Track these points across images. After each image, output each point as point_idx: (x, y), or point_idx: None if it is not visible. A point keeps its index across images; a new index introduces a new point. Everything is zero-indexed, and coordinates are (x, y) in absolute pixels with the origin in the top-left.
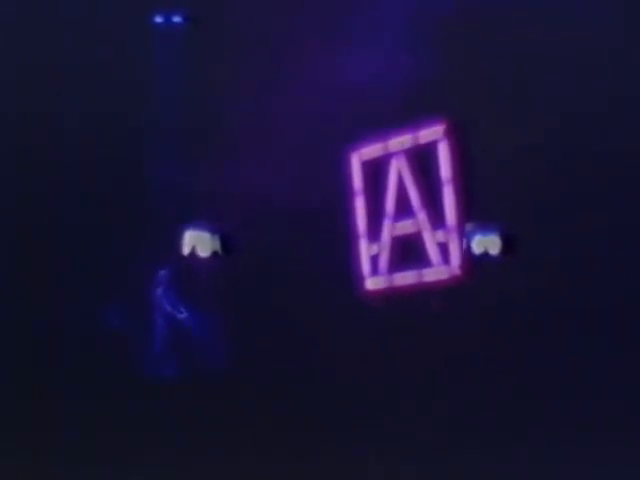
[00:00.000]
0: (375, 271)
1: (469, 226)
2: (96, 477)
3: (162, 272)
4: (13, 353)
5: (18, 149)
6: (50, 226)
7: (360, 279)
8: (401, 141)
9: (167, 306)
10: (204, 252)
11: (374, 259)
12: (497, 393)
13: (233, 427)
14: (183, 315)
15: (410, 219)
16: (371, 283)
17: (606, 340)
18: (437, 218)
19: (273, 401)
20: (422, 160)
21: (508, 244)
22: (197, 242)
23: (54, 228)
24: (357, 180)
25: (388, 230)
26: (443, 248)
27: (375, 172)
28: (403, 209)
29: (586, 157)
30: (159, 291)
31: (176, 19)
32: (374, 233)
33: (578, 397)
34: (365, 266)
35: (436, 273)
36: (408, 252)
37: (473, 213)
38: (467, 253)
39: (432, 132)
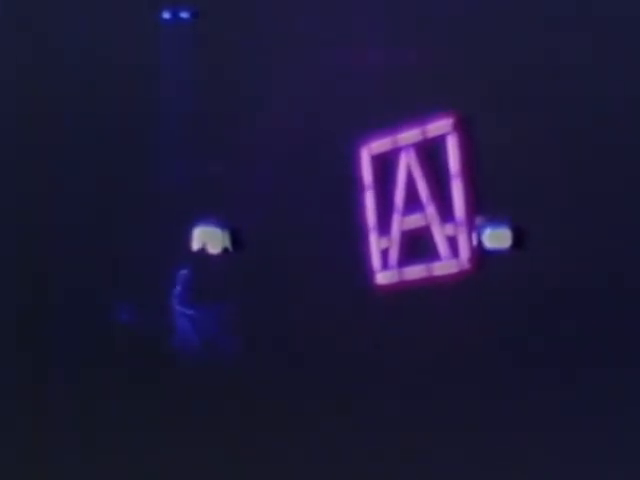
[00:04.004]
0: (385, 265)
1: (479, 220)
2: (98, 476)
3: (182, 272)
4: (20, 353)
5: (25, 146)
6: (59, 224)
7: (370, 273)
8: (410, 135)
9: (177, 304)
10: (214, 249)
11: (384, 253)
12: (506, 388)
13: (243, 423)
14: (191, 312)
15: (419, 213)
16: (382, 277)
17: (620, 334)
18: (446, 212)
19: (283, 396)
20: (431, 154)
21: (519, 237)
22: (207, 239)
23: (62, 226)
24: (367, 174)
25: (398, 224)
26: (452, 242)
27: (384, 166)
28: (412, 203)
29: (598, 150)
30: (176, 290)
31: (184, 15)
32: (384, 227)
33: (589, 392)
34: (375, 260)
35: (445, 267)
36: (418, 246)
37: (482, 206)
38: (477, 247)
39: (440, 126)
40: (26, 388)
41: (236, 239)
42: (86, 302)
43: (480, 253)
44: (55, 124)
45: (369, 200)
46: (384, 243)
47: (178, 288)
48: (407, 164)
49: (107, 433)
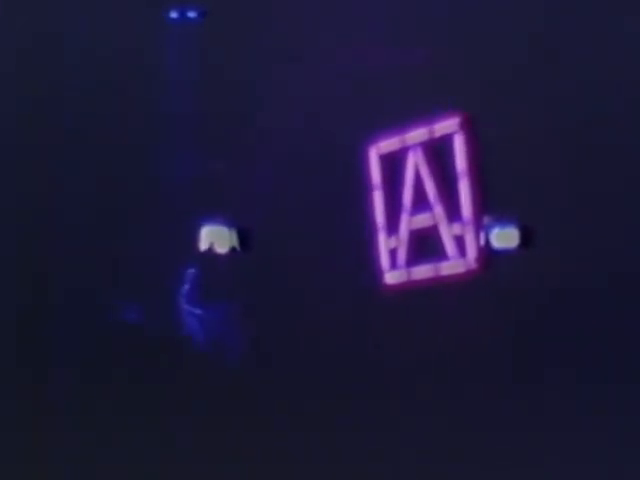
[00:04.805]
0: (394, 265)
1: (487, 219)
2: (98, 476)
3: (190, 271)
4: (20, 353)
5: (32, 146)
6: (60, 224)
7: (379, 273)
8: (417, 134)
9: (185, 303)
10: (222, 248)
11: (392, 253)
12: (514, 387)
13: (248, 424)
14: (199, 312)
15: (427, 212)
16: (390, 277)
17: (629, 333)
18: (453, 211)
19: (290, 396)
20: (438, 153)
21: (526, 237)
22: (215, 238)
23: (66, 225)
24: (375, 174)
25: (406, 224)
26: (460, 241)
27: (392, 166)
28: (420, 202)
29: (606, 150)
30: (183, 289)
31: (191, 14)
32: (392, 227)
33: (599, 391)
34: (384, 260)
35: (453, 266)
36: (425, 245)
37: (490, 206)
38: (485, 246)
39: (448, 125)
40: (26, 388)
41: (244, 238)
42: (88, 302)
43: (487, 252)
44: (56, 124)
45: (377, 200)
46: (392, 243)
47: (186, 287)
48: (415, 163)
49: (107, 433)
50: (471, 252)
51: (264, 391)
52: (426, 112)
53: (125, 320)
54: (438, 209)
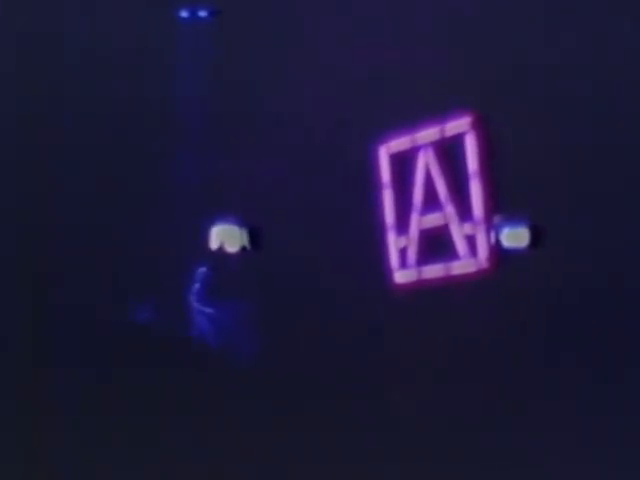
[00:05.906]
0: (404, 264)
1: (497, 219)
2: (98, 476)
3: (201, 270)
4: (20, 353)
5: (32, 146)
6: (60, 224)
7: (389, 272)
8: (428, 134)
9: (195, 302)
10: (232, 247)
11: (402, 252)
12: (523, 388)
13: (261, 422)
14: (210, 311)
15: (438, 212)
16: (400, 276)
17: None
18: (464, 211)
19: (300, 395)
20: (449, 153)
21: (536, 236)
22: (225, 237)
23: (70, 225)
24: (385, 173)
25: (416, 223)
26: (470, 241)
27: (403, 165)
28: (431, 202)
29: (617, 149)
30: (194, 288)
31: (202, 13)
32: (402, 226)
33: (607, 391)
34: (394, 259)
35: (463, 266)
36: (436, 245)
37: (500, 205)
38: (495, 246)
39: (459, 124)
40: (26, 388)
41: (254, 238)
42: (89, 302)
43: (498, 252)
44: (56, 124)
45: (387, 199)
46: (402, 242)
47: (196, 286)
48: (425, 163)
49: (107, 433)
50: (482, 252)
51: (273, 391)
52: (437, 111)
53: (135, 320)
54: (449, 209)
